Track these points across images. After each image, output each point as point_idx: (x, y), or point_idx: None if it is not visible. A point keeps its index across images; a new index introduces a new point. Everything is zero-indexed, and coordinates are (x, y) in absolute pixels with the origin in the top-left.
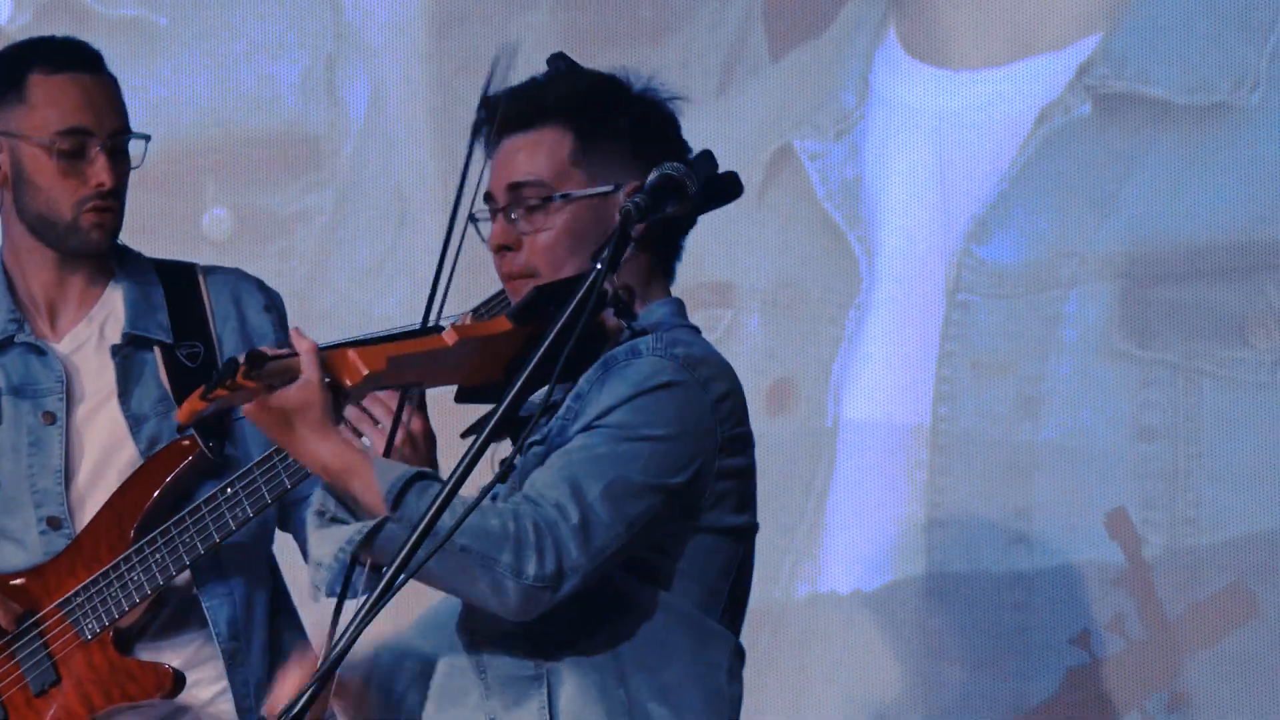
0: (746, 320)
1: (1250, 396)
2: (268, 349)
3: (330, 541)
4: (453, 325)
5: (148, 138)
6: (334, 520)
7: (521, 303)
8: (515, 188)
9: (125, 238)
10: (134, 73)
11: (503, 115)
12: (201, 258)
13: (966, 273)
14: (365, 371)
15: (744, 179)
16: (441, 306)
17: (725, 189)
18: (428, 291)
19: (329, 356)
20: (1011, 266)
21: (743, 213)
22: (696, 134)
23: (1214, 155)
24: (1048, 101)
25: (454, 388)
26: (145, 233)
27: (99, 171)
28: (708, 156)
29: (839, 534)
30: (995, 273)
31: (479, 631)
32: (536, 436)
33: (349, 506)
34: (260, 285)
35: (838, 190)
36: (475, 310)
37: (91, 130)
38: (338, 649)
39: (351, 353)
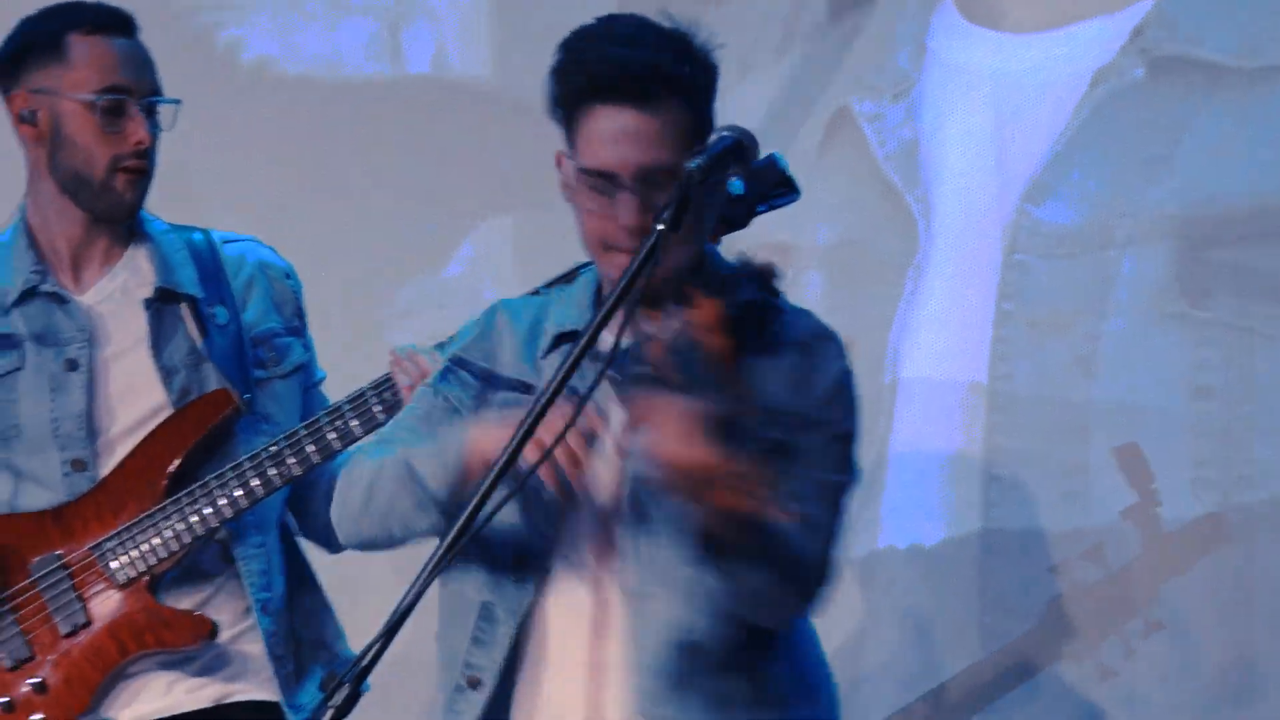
0: (806, 280)
1: None
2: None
3: None
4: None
5: (178, 102)
6: None
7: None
8: (650, 172)
9: (188, 204)
10: (200, 36)
11: (612, 83)
12: (261, 223)
13: (1023, 233)
14: None
15: (803, 140)
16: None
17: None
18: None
19: None
20: (1067, 227)
21: (802, 173)
22: (756, 96)
23: (1266, 118)
24: (1102, 64)
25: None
26: (208, 197)
27: (137, 129)
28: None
29: (897, 491)
30: (1051, 233)
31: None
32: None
33: None
34: (275, 253)
35: (895, 152)
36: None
37: (130, 90)
38: (406, 601)
39: None
